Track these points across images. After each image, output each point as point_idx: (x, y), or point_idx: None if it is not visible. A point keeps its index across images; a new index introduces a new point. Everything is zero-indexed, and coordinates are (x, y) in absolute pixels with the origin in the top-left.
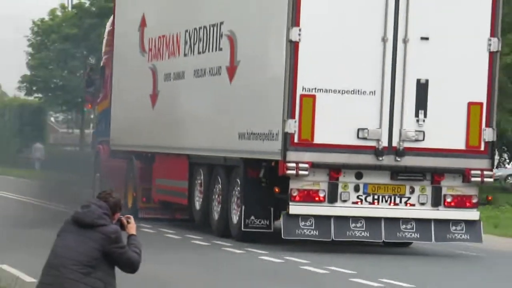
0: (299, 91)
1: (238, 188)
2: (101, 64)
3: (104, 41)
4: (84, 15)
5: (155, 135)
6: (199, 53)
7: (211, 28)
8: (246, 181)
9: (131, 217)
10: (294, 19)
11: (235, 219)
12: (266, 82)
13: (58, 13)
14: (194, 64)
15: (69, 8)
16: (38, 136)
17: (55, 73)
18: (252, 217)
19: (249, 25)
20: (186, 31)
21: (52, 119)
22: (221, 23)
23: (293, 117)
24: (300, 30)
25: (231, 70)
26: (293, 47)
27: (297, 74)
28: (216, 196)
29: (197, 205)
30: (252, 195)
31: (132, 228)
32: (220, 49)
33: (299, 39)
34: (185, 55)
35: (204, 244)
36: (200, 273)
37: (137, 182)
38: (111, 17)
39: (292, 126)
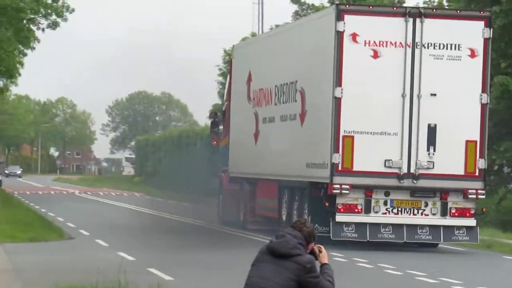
0: (341, 133)
1: (306, 204)
2: (223, 108)
3: (225, 91)
4: None
5: (257, 164)
6: (283, 103)
7: (290, 85)
8: (311, 198)
9: (322, 247)
10: (338, 81)
11: None
12: (322, 127)
13: None
14: (280, 111)
15: None
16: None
17: None
18: (316, 225)
19: (312, 84)
20: (276, 86)
21: None
22: (296, 81)
23: (337, 151)
24: (342, 89)
25: (302, 117)
26: (337, 102)
27: (340, 121)
28: (295, 211)
29: (284, 217)
30: (316, 209)
31: (324, 257)
32: (295, 101)
33: (341, 96)
34: (275, 104)
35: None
36: None
37: (246, 201)
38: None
39: (337, 158)
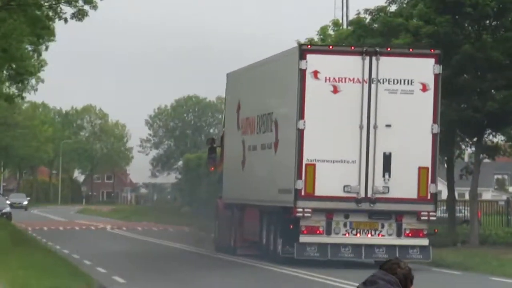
0: (304, 161)
1: (279, 227)
2: (221, 135)
3: (224, 117)
4: (364, 33)
5: (244, 191)
6: (263, 132)
7: (268, 116)
8: (282, 222)
9: None
10: (301, 115)
11: (279, 248)
12: (288, 155)
13: (331, 31)
14: (260, 140)
15: (344, 25)
16: None
17: None
18: (287, 246)
19: (282, 116)
20: (258, 116)
21: None
22: (272, 112)
23: (300, 178)
24: (304, 121)
25: (276, 146)
26: (300, 133)
27: (303, 150)
28: (271, 234)
29: (264, 241)
30: (286, 232)
31: None
32: (271, 131)
33: (304, 127)
34: (257, 133)
35: None
36: None
37: (236, 226)
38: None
39: (300, 184)
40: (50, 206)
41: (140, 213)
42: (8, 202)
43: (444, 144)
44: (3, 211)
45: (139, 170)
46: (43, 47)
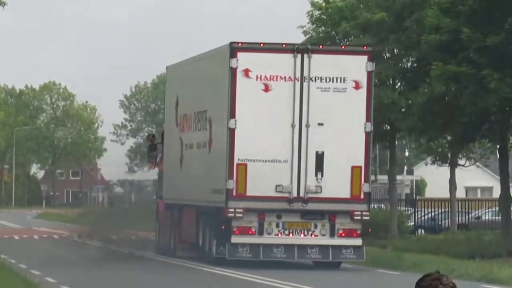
0: (236, 161)
1: (213, 228)
2: (162, 131)
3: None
4: None
5: (182, 191)
6: (198, 130)
7: (203, 113)
8: (215, 222)
9: None
10: (231, 113)
11: (213, 249)
12: (220, 155)
13: None
14: (196, 138)
15: None
16: None
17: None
18: (221, 247)
19: (214, 115)
20: (194, 112)
21: None
22: (206, 110)
23: (232, 178)
24: (235, 120)
25: (210, 144)
26: (231, 132)
27: (234, 150)
28: (204, 235)
29: (200, 242)
30: (219, 232)
31: None
32: (206, 129)
33: (235, 127)
34: (193, 130)
35: None
36: None
37: (175, 227)
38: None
39: (231, 184)
40: (2, 209)
41: (115, 218)
42: None
43: (494, 130)
44: None
45: (113, 164)
46: None
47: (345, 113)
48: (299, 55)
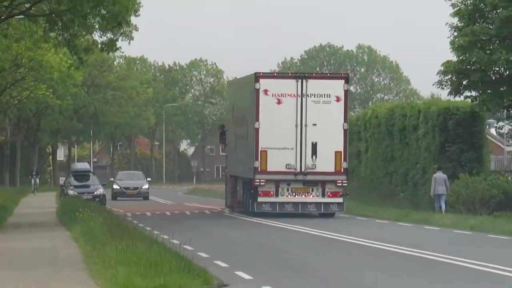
0: (260, 149)
1: (248, 192)
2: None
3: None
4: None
5: (235, 167)
6: (242, 127)
7: (244, 117)
8: (250, 189)
9: None
10: (256, 118)
11: (249, 206)
12: (251, 145)
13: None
14: (241, 132)
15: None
16: (473, 159)
17: (495, 57)
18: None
19: (249, 118)
20: (240, 115)
21: (493, 130)
22: (244, 115)
23: (257, 159)
24: (259, 123)
25: (247, 137)
26: (256, 131)
27: (259, 142)
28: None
29: (244, 201)
30: (251, 195)
31: None
32: (245, 127)
33: (259, 127)
34: (240, 127)
35: None
36: None
37: (233, 192)
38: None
39: (257, 164)
40: (153, 185)
41: None
42: (116, 186)
43: None
44: (95, 193)
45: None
46: None
47: (330, 117)
48: (300, 80)
